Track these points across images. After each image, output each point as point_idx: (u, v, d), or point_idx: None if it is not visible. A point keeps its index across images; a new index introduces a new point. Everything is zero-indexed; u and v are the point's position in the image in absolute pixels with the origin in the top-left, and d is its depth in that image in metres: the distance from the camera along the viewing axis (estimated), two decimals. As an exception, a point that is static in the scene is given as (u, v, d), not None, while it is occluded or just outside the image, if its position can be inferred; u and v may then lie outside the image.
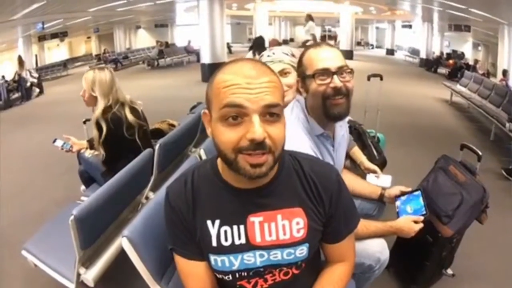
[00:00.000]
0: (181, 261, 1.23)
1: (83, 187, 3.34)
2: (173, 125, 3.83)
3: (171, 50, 20.72)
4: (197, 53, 17.01)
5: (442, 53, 20.21)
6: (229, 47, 19.86)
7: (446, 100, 10.17)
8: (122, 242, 1.51)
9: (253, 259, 1.17)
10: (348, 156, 2.56)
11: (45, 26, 15.38)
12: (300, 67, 1.77)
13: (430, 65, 18.87)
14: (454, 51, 20.73)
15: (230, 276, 1.20)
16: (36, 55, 18.06)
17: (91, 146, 3.05)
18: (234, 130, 0.99)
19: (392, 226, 1.91)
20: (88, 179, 3.24)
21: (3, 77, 13.14)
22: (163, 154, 2.88)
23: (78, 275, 2.08)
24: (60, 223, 2.25)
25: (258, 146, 0.98)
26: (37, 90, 12.71)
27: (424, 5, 16.28)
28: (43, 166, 5.30)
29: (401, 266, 2.63)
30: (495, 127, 6.61)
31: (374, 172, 2.47)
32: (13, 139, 6.92)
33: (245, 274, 1.20)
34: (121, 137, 2.81)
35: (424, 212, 1.98)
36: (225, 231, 1.16)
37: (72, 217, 1.82)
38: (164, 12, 23.03)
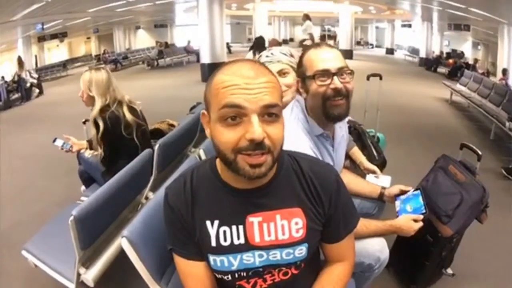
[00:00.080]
0: (180, 261, 1.23)
1: (83, 187, 3.34)
2: (172, 125, 3.84)
3: (170, 50, 20.75)
4: (196, 53, 17.02)
5: (441, 52, 20.23)
6: (228, 47, 19.87)
7: (446, 99, 10.18)
8: (122, 242, 1.51)
9: (252, 259, 1.17)
10: (347, 156, 2.57)
11: (45, 26, 15.38)
12: (300, 67, 1.77)
13: (430, 64, 18.86)
14: (454, 50, 20.77)
15: (229, 276, 1.20)
16: (35, 56, 18.09)
17: (90, 146, 3.07)
18: (233, 131, 0.99)
19: (392, 225, 1.91)
20: (88, 179, 3.24)
21: (2, 77, 13.16)
22: (162, 154, 2.88)
23: (78, 275, 2.08)
24: (60, 224, 2.25)
25: (257, 146, 0.98)
26: (37, 90, 12.73)
27: (424, 5, 16.29)
28: (43, 167, 5.31)
29: (401, 265, 2.63)
30: (495, 126, 6.61)
31: (373, 172, 2.47)
32: (13, 140, 6.93)
33: (244, 274, 1.20)
34: (119, 135, 2.81)
35: (424, 211, 1.98)
36: (224, 231, 1.16)
37: (71, 218, 1.82)
38: (163, 13, 23.07)
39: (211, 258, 1.18)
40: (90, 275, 2.09)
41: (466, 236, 2.38)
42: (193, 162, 2.30)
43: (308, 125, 1.78)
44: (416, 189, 2.11)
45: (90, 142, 3.07)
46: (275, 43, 7.40)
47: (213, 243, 1.16)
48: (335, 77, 1.63)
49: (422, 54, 20.55)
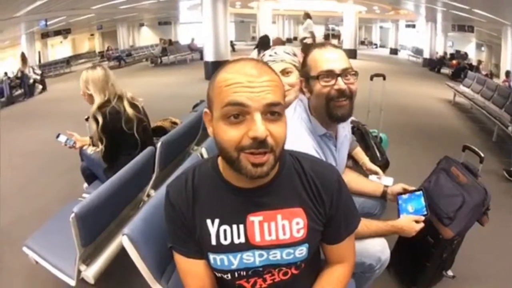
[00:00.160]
0: (180, 259, 1.23)
1: (85, 184, 3.35)
2: (175, 123, 3.84)
3: (174, 47, 20.79)
4: (200, 51, 16.96)
5: (445, 53, 20.18)
6: (232, 45, 19.84)
7: (449, 100, 10.15)
8: (123, 240, 1.51)
9: (252, 258, 1.17)
10: (350, 156, 2.57)
11: (49, 23, 15.42)
12: (304, 67, 1.77)
13: (434, 65, 18.84)
14: (458, 52, 20.72)
15: (229, 275, 1.20)
16: (39, 52, 18.13)
17: (93, 143, 3.07)
18: (236, 129, 0.99)
19: (394, 225, 1.91)
20: (90, 176, 3.26)
21: (6, 73, 13.17)
22: (165, 152, 2.88)
23: (79, 272, 2.08)
24: (61, 220, 2.25)
25: (260, 144, 0.98)
26: (40, 87, 12.74)
27: (428, 5, 16.28)
28: (45, 163, 5.32)
29: (402, 266, 2.63)
30: (498, 128, 6.59)
31: (376, 173, 2.47)
32: (16, 136, 6.94)
33: (244, 273, 1.20)
34: (120, 130, 2.82)
35: (425, 213, 1.98)
36: (225, 230, 1.16)
37: (73, 215, 1.83)
38: (167, 10, 23.10)
39: (211, 256, 1.18)
40: (90, 272, 2.10)
41: (467, 238, 2.38)
42: (195, 160, 2.31)
43: (311, 124, 1.78)
44: (418, 190, 2.11)
45: (92, 138, 3.07)
46: (279, 42, 7.41)
47: (213, 242, 1.16)
48: (339, 78, 1.63)
49: (426, 55, 20.50)
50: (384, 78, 4.79)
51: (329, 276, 1.32)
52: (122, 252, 1.90)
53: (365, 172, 2.53)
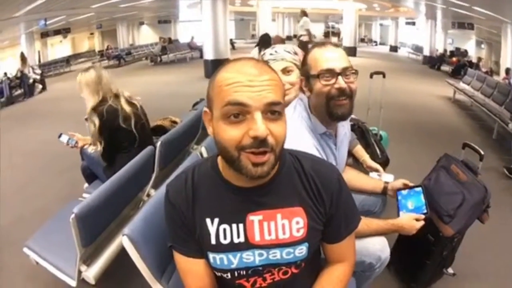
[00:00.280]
0: (180, 259, 1.24)
1: (86, 184, 3.36)
2: (175, 122, 3.85)
3: (174, 46, 20.78)
4: (200, 49, 16.95)
5: (445, 50, 20.17)
6: (232, 43, 19.83)
7: (449, 97, 10.13)
8: (123, 240, 1.51)
9: (252, 258, 1.17)
10: (350, 154, 2.57)
11: (48, 22, 15.39)
12: (304, 66, 1.77)
13: (434, 62, 18.80)
14: (458, 49, 20.72)
15: (228, 275, 1.20)
16: (39, 52, 18.12)
17: (93, 142, 3.08)
18: (236, 128, 0.99)
19: (394, 224, 1.91)
20: (90, 175, 3.28)
21: (5, 73, 13.15)
22: (164, 151, 2.89)
23: (79, 272, 2.09)
24: (61, 221, 2.26)
25: (261, 143, 0.98)
26: (40, 86, 12.70)
27: (428, 3, 16.25)
28: (45, 163, 5.32)
29: (402, 264, 2.63)
30: (498, 126, 6.57)
31: (376, 170, 2.47)
32: (16, 136, 6.94)
33: (244, 272, 1.20)
34: (117, 127, 2.85)
35: (425, 211, 1.98)
36: (224, 229, 1.16)
37: (73, 215, 1.83)
38: (167, 8, 23.10)
39: (211, 256, 1.18)
40: (91, 272, 2.11)
41: (467, 235, 2.38)
42: (195, 159, 2.31)
43: (311, 123, 1.78)
44: (418, 186, 2.11)
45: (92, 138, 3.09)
46: (279, 40, 7.39)
47: (213, 241, 1.16)
48: (339, 77, 1.63)
49: (426, 52, 20.47)
50: (384, 76, 4.78)
51: (329, 275, 1.32)
52: (122, 252, 1.90)
53: (365, 170, 2.53)
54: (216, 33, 12.42)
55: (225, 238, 1.16)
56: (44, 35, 17.89)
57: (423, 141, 6.19)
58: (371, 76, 4.76)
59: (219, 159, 1.17)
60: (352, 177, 2.22)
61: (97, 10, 16.82)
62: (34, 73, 12.80)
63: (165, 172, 2.99)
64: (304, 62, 1.78)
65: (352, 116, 2.07)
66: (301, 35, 10.40)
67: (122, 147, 2.94)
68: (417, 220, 1.93)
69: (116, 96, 2.91)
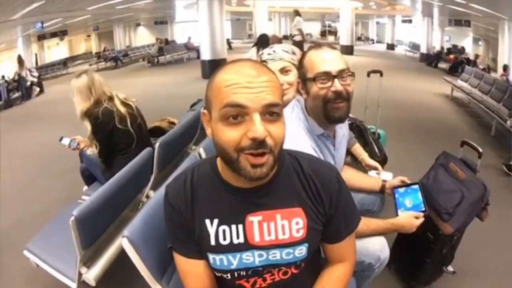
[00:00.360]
0: (180, 260, 1.24)
1: (85, 187, 3.36)
2: (173, 123, 3.86)
3: (171, 47, 20.76)
4: (197, 50, 16.89)
5: (442, 48, 20.16)
6: (229, 43, 19.82)
7: (446, 95, 10.15)
8: (123, 242, 1.51)
9: (252, 258, 1.17)
10: (349, 152, 2.57)
11: (45, 25, 15.41)
12: (301, 68, 1.76)
13: (431, 60, 18.80)
14: (455, 46, 20.68)
15: (228, 275, 1.20)
16: (36, 54, 18.12)
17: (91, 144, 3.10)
18: (235, 129, 0.99)
19: (394, 223, 1.91)
20: (89, 177, 3.30)
21: (3, 77, 13.15)
22: (163, 153, 2.89)
23: (80, 274, 2.09)
24: (61, 223, 2.26)
25: (259, 145, 0.98)
26: (37, 89, 12.69)
27: (424, 0, 16.26)
28: (43, 165, 5.31)
29: (402, 263, 2.64)
30: (496, 123, 6.58)
31: (375, 169, 2.48)
32: (14, 139, 6.93)
33: (244, 273, 1.20)
34: (113, 129, 2.88)
35: (424, 209, 1.99)
36: (224, 230, 1.16)
37: (72, 218, 1.83)
38: (163, 9, 23.09)
39: (211, 256, 1.18)
40: (91, 274, 2.10)
41: (467, 233, 2.38)
42: (194, 160, 2.31)
43: (309, 125, 1.78)
44: (415, 183, 2.11)
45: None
46: (276, 39, 7.40)
47: (213, 242, 1.16)
48: (336, 80, 1.63)
49: (423, 50, 20.47)
50: (381, 74, 4.77)
51: (330, 276, 1.33)
52: (122, 254, 1.89)
53: (364, 168, 2.53)
54: (213, 34, 12.43)
55: (224, 239, 1.16)
56: (41, 37, 17.89)
57: (421, 139, 6.20)
58: (368, 75, 4.76)
59: (218, 160, 1.17)
60: (350, 176, 2.22)
61: (93, 12, 16.81)
62: (32, 75, 12.78)
63: (164, 174, 2.99)
64: (300, 64, 1.78)
65: (350, 115, 2.07)
66: (294, 35, 10.44)
67: (118, 149, 2.96)
68: (416, 218, 1.93)
69: (111, 98, 2.94)
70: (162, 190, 1.56)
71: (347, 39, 21.73)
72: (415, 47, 22.37)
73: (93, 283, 2.11)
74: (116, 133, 2.88)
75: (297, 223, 1.17)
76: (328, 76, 1.63)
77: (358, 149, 2.63)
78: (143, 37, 25.75)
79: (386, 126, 4.32)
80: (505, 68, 12.71)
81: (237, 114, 0.98)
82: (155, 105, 7.32)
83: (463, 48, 20.10)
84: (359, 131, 3.07)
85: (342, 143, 1.99)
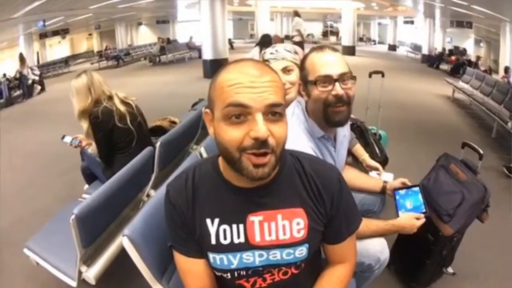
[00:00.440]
0: (180, 259, 1.24)
1: (86, 186, 3.37)
2: (174, 122, 3.86)
3: (172, 46, 20.78)
4: (198, 49, 16.93)
5: (444, 49, 20.16)
6: (231, 43, 19.82)
7: (448, 96, 10.13)
8: (123, 241, 1.51)
9: (252, 258, 1.17)
10: (350, 153, 2.57)
11: (46, 23, 15.40)
12: (302, 71, 1.76)
13: (432, 61, 18.78)
14: (456, 47, 20.69)
15: (228, 275, 1.21)
16: (37, 53, 18.12)
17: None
18: (238, 129, 0.99)
19: (394, 224, 1.91)
20: (90, 175, 3.30)
21: (4, 75, 13.15)
22: (164, 152, 2.89)
23: (80, 273, 2.09)
24: (62, 221, 2.26)
25: (262, 144, 0.98)
26: (39, 87, 12.67)
27: (426, 1, 16.26)
28: (45, 164, 5.31)
29: (402, 264, 2.64)
30: (497, 124, 6.57)
31: (376, 169, 2.48)
32: (15, 137, 6.93)
33: (244, 273, 1.20)
34: (113, 127, 2.88)
35: (424, 210, 1.99)
36: (224, 230, 1.16)
37: (73, 216, 1.83)
38: (165, 8, 23.11)
39: (211, 256, 1.18)
40: (91, 273, 2.11)
41: (467, 235, 2.38)
42: (195, 160, 2.32)
43: (309, 127, 1.78)
44: (415, 186, 2.11)
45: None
46: (278, 39, 7.41)
47: (213, 241, 1.16)
48: (336, 84, 1.62)
49: (425, 51, 20.47)
50: (383, 75, 4.77)
51: (330, 276, 1.33)
52: (122, 253, 1.90)
53: (365, 169, 2.53)
54: (215, 33, 12.40)
55: (225, 238, 1.16)
56: (43, 36, 17.87)
57: (422, 140, 6.19)
58: (370, 76, 4.75)
59: (220, 159, 1.17)
60: (351, 176, 2.22)
61: (95, 11, 16.82)
62: (33, 74, 12.77)
63: (164, 173, 2.99)
64: (302, 66, 1.77)
65: (351, 115, 2.06)
66: (293, 36, 10.48)
67: (118, 147, 2.96)
68: (417, 219, 1.93)
69: (110, 98, 2.94)
70: (162, 189, 1.57)
71: (349, 39, 21.72)
72: (416, 48, 22.38)
73: (93, 282, 2.11)
74: (116, 131, 2.89)
75: (298, 224, 1.17)
76: (329, 79, 1.62)
77: (359, 150, 2.63)
78: (145, 36, 25.79)
79: (387, 127, 4.32)
80: (507, 70, 12.68)
81: (239, 113, 0.98)
82: (157, 104, 7.34)
83: (464, 49, 20.11)
84: (360, 131, 3.07)
85: (343, 144, 1.98)
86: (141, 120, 3.09)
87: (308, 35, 30.61)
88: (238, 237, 1.16)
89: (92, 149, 3.10)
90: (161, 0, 20.21)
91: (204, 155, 2.56)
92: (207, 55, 12.62)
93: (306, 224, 1.18)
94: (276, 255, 1.17)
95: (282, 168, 1.18)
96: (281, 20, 32.41)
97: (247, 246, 1.16)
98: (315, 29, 33.89)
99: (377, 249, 1.83)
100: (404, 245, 2.55)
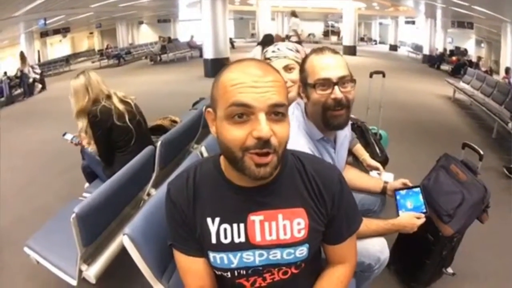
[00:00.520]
0: (180, 257, 1.24)
1: (86, 184, 3.38)
2: (175, 121, 3.87)
3: (173, 45, 20.77)
4: (200, 48, 16.93)
5: (445, 49, 20.15)
6: (232, 42, 19.81)
7: (448, 97, 10.13)
8: (123, 240, 1.51)
9: (252, 257, 1.17)
10: (350, 153, 2.57)
11: (48, 22, 15.38)
12: (302, 73, 1.74)
13: (433, 61, 18.79)
14: (457, 48, 20.71)
15: (228, 274, 1.21)
16: (38, 51, 18.14)
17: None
18: (240, 128, 1.00)
19: (395, 224, 1.90)
20: (91, 174, 3.31)
21: (5, 73, 13.14)
22: (165, 151, 2.89)
23: (80, 271, 2.09)
24: (62, 220, 2.26)
25: (264, 144, 0.98)
26: (40, 86, 12.66)
27: (427, 2, 16.25)
28: (46, 162, 5.31)
29: (402, 264, 2.64)
30: (498, 125, 6.57)
31: (376, 169, 2.48)
32: (16, 135, 6.94)
33: (244, 272, 1.20)
34: (112, 126, 2.89)
35: (425, 210, 1.99)
36: (225, 229, 1.16)
37: (73, 215, 1.83)
38: (166, 7, 23.11)
39: (211, 255, 1.18)
40: (92, 271, 2.11)
41: (467, 235, 2.38)
42: (195, 159, 2.32)
43: (308, 128, 1.78)
44: (416, 186, 2.11)
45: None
46: (279, 39, 7.42)
47: (213, 240, 1.16)
48: (336, 87, 1.60)
49: (426, 51, 20.50)
50: (384, 75, 4.76)
51: (330, 277, 1.33)
52: (123, 252, 1.90)
53: (365, 169, 2.54)
54: (216, 32, 12.43)
55: (225, 237, 1.16)
56: (44, 34, 17.89)
57: (423, 140, 6.19)
58: (370, 76, 4.75)
59: (222, 158, 1.18)
60: (352, 176, 2.22)
61: (96, 10, 16.84)
62: (34, 72, 12.74)
63: (165, 172, 2.99)
64: (301, 68, 1.76)
65: (351, 115, 2.06)
66: (290, 36, 10.52)
67: (117, 146, 2.97)
68: (417, 218, 1.93)
69: (108, 97, 2.96)
70: (163, 188, 1.57)
71: (350, 39, 21.77)
72: (417, 48, 22.40)
73: (93, 281, 2.11)
74: (115, 130, 2.90)
75: (298, 224, 1.17)
76: (328, 83, 1.61)
77: (360, 150, 2.64)
78: (146, 35, 25.81)
79: (388, 127, 4.32)
80: (507, 70, 12.68)
81: (242, 113, 0.99)
82: (157, 103, 7.34)
83: (465, 50, 20.14)
84: (360, 131, 3.07)
85: (343, 145, 1.98)
86: (140, 119, 3.09)
87: (309, 35, 30.65)
88: (239, 236, 1.16)
89: (92, 148, 3.10)
90: (162, -1, 20.27)
91: (205, 154, 2.56)
92: (208, 54, 12.65)
93: (307, 224, 1.18)
94: (277, 255, 1.17)
95: (284, 168, 1.18)
96: (282, 19, 32.38)
97: (248, 245, 1.16)
98: (316, 29, 33.88)
99: (377, 249, 1.83)
100: (404, 245, 2.55)
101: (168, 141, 2.91)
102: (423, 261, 2.42)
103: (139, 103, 3.15)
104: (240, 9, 26.44)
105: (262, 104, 0.98)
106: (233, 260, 1.17)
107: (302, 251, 1.18)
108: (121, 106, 2.94)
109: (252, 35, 30.38)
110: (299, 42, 10.17)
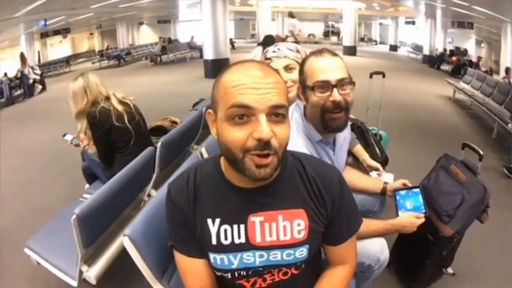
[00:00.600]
0: (180, 258, 1.24)
1: (87, 185, 3.38)
2: (175, 122, 3.87)
3: (174, 46, 20.76)
4: (200, 49, 16.93)
5: (445, 49, 20.14)
6: (232, 43, 19.80)
7: (448, 97, 10.13)
8: (124, 241, 1.52)
9: (252, 258, 1.18)
10: (350, 153, 2.57)
11: (48, 23, 15.41)
12: (301, 75, 1.74)
13: (433, 61, 18.78)
14: (457, 48, 20.71)
15: (229, 275, 1.21)
16: (38, 52, 18.15)
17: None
18: (241, 129, 1.00)
19: (394, 224, 1.91)
20: (91, 175, 3.32)
21: (5, 74, 13.14)
22: (165, 152, 2.90)
23: (81, 272, 2.09)
24: (62, 221, 2.27)
25: (265, 145, 0.98)
26: (40, 86, 12.65)
27: (428, 2, 16.25)
28: (46, 163, 5.31)
29: (402, 264, 2.64)
30: (498, 125, 6.57)
31: (376, 169, 2.48)
32: (16, 136, 6.93)
33: (244, 273, 1.20)
34: (111, 127, 2.90)
35: (424, 211, 1.99)
36: (225, 230, 1.16)
37: (74, 216, 1.84)
38: (167, 8, 23.12)
39: (211, 256, 1.18)
40: (92, 272, 2.11)
41: (466, 235, 2.38)
42: (196, 160, 2.32)
43: (307, 130, 1.78)
44: (416, 187, 2.11)
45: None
46: (279, 39, 7.43)
47: (214, 241, 1.16)
48: (334, 90, 1.60)
49: (426, 51, 20.49)
50: (384, 76, 4.76)
51: (330, 278, 1.33)
52: (123, 253, 1.90)
53: (365, 169, 2.54)
54: (216, 33, 12.43)
55: (226, 238, 1.16)
56: (44, 35, 17.89)
57: (423, 140, 6.19)
58: (370, 76, 4.75)
59: (222, 160, 1.18)
60: (352, 177, 2.22)
61: (96, 10, 16.84)
62: (34, 73, 12.73)
63: (165, 173, 3.00)
64: (301, 70, 1.75)
65: (351, 116, 2.06)
66: (287, 37, 10.57)
67: (117, 147, 2.98)
68: (417, 218, 1.93)
69: (107, 98, 2.97)
70: (163, 189, 1.57)
71: (350, 39, 21.78)
72: (418, 48, 22.39)
73: (93, 282, 2.11)
74: (114, 131, 2.90)
75: (298, 225, 1.17)
76: (327, 85, 1.61)
77: (360, 150, 2.64)
78: (146, 36, 25.81)
79: (388, 127, 4.32)
80: (508, 70, 12.67)
81: (243, 114, 0.99)
82: (157, 104, 7.34)
83: (465, 50, 20.14)
84: (360, 132, 3.07)
85: (343, 147, 1.98)
86: (139, 120, 3.10)
87: (309, 35, 30.66)
88: (239, 237, 1.16)
89: (92, 149, 3.11)
90: (163, 0, 20.22)
91: (205, 155, 2.56)
92: (208, 55, 12.64)
93: (307, 225, 1.18)
94: (277, 256, 1.17)
95: (284, 169, 1.18)
96: (282, 20, 32.38)
97: (248, 246, 1.16)
98: (316, 29, 33.91)
99: (377, 249, 1.83)
100: (404, 245, 2.55)
101: (168, 142, 2.92)
102: (423, 261, 2.43)
103: (139, 104, 3.16)
104: (240, 10, 26.45)
105: (262, 106, 0.98)
106: (233, 261, 1.17)
107: (302, 252, 1.19)
108: (120, 107, 2.95)
109: (252, 35, 30.39)
110: (296, 43, 10.22)
